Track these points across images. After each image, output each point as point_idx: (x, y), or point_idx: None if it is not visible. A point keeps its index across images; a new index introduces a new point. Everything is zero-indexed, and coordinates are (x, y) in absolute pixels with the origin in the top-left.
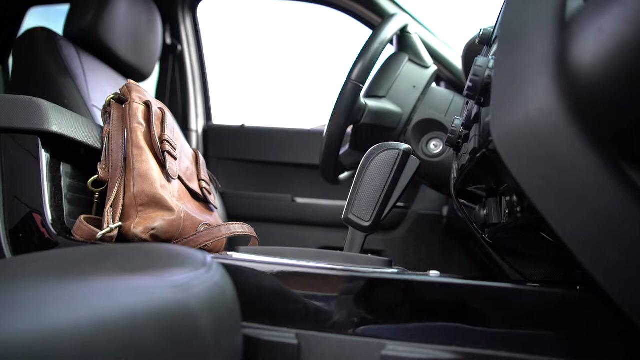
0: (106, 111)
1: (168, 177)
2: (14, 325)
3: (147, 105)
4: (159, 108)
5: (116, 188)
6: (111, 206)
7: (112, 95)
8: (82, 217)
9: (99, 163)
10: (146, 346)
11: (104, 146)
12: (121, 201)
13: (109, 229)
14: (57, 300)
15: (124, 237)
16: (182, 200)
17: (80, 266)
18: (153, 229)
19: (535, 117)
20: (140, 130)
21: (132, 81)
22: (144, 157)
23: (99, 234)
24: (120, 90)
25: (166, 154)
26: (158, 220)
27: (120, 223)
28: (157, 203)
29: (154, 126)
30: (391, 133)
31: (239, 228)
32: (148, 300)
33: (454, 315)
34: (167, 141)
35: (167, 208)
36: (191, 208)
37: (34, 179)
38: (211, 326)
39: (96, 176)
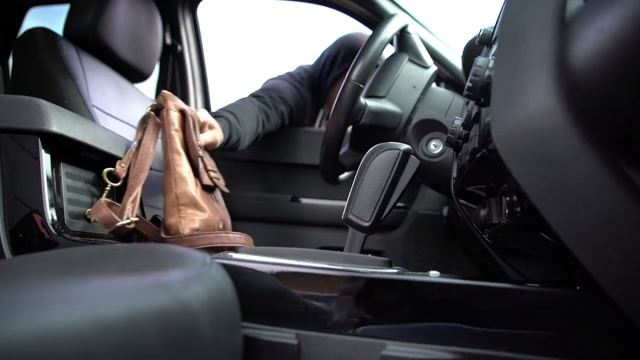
0: (144, 121)
1: (199, 180)
2: (14, 325)
3: (182, 113)
4: (190, 115)
5: (138, 188)
6: (132, 201)
7: (151, 107)
8: (103, 199)
9: (119, 161)
10: (146, 346)
11: (131, 149)
12: (138, 200)
13: (128, 220)
14: (57, 300)
15: (168, 231)
16: (202, 199)
17: (80, 266)
18: (197, 230)
19: (535, 117)
20: (178, 137)
21: (166, 91)
22: (182, 161)
23: (119, 222)
24: (156, 100)
25: (199, 159)
26: (197, 221)
27: (137, 218)
28: (195, 204)
29: (192, 133)
30: (391, 133)
31: (238, 239)
32: (148, 300)
33: (454, 315)
34: (200, 147)
35: (202, 209)
36: (210, 208)
37: (34, 179)
38: (211, 326)
39: (113, 169)
